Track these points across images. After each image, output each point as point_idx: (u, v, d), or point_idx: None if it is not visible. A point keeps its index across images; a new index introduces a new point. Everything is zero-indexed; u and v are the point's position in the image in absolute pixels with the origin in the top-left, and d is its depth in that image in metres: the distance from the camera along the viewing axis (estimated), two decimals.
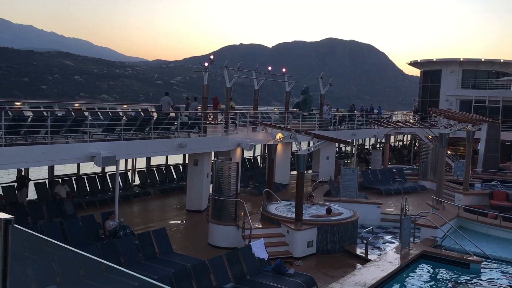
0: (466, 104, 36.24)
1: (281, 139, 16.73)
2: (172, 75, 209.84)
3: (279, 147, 23.61)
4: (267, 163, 19.14)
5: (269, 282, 10.61)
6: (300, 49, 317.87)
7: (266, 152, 24.76)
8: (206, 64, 19.18)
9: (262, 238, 12.62)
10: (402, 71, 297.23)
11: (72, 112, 17.39)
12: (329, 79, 28.28)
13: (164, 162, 23.80)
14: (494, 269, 13.13)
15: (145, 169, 22.48)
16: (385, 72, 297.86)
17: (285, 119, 24.21)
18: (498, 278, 12.52)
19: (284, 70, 25.38)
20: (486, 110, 35.19)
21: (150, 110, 22.24)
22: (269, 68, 24.03)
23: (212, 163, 17.79)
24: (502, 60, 37.03)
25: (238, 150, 21.33)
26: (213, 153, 19.97)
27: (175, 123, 17.39)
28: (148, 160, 22.56)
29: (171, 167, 23.57)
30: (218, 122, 21.98)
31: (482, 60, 36.95)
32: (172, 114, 19.76)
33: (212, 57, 19.81)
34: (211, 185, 16.10)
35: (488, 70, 37.54)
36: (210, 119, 22.53)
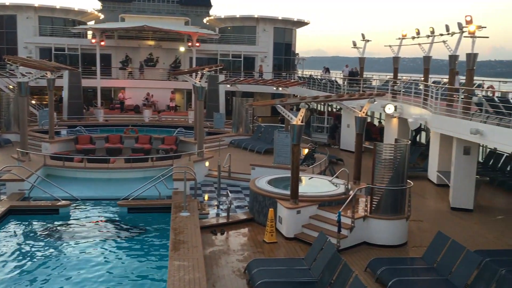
0: (47, 52, 35.84)
1: None
2: None
3: None
4: None
5: None
6: None
7: None
8: None
9: None
10: None
11: None
12: None
13: None
14: (82, 208, 14.03)
15: None
16: None
17: None
18: (86, 216, 13.46)
19: None
20: (67, 58, 35.89)
21: None
22: None
23: None
24: (76, 9, 37.94)
25: None
26: None
27: None
28: None
29: None
30: None
31: (58, 7, 36.85)
32: None
33: None
34: None
35: (64, 18, 37.89)
36: None
